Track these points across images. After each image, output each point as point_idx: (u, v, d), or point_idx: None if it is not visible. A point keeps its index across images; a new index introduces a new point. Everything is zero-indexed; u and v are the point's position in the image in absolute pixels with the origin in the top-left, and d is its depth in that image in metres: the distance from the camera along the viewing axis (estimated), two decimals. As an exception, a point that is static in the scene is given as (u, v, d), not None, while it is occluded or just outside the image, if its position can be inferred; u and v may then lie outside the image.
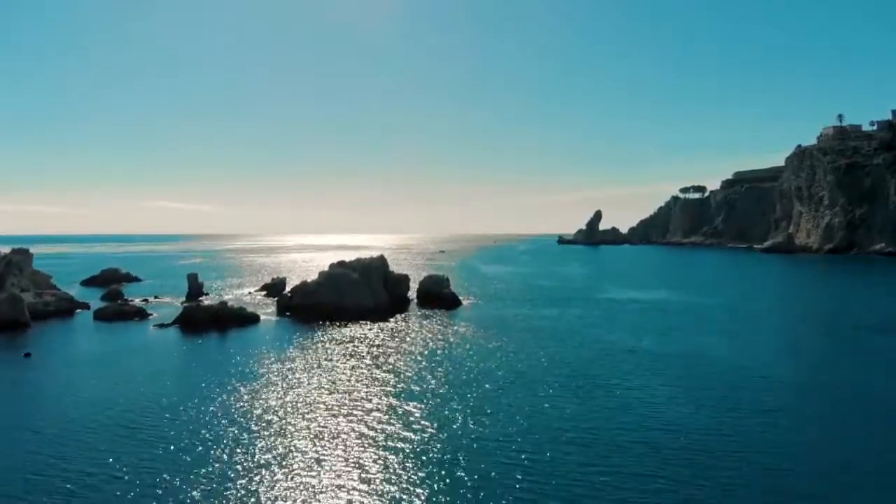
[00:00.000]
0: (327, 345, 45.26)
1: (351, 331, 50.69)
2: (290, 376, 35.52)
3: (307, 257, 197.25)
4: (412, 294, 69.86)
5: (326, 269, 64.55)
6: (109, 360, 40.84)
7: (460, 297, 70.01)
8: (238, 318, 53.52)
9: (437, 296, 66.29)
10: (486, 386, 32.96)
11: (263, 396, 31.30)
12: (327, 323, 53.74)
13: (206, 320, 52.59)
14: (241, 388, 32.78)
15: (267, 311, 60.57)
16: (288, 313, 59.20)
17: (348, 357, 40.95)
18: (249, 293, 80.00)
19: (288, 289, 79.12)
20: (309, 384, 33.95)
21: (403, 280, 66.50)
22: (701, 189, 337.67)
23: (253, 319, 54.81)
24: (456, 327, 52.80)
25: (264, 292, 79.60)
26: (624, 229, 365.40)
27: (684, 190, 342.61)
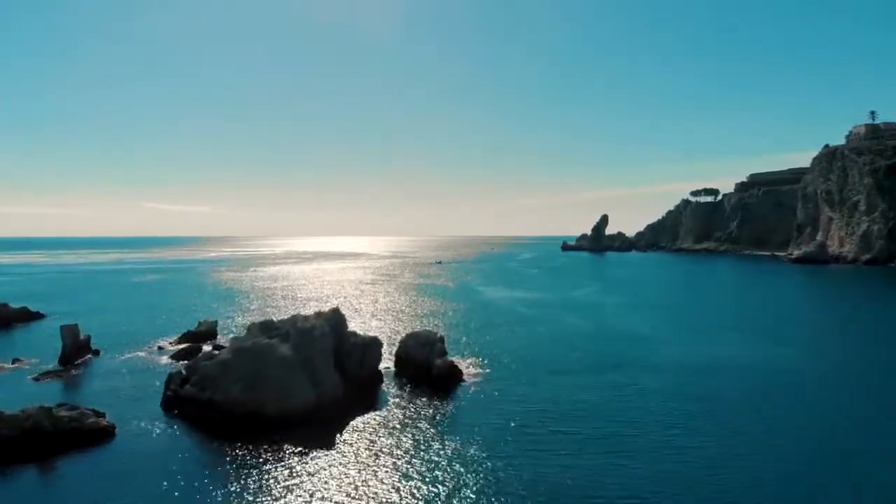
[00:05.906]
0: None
1: (266, 464, 27.81)
2: None
3: (285, 272, 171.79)
4: (387, 362, 46.51)
5: (245, 332, 40.92)
6: None
7: (458, 362, 46.76)
8: (69, 439, 30.33)
9: (425, 368, 43.16)
10: None
11: None
12: (233, 440, 30.81)
13: (16, 442, 29.53)
14: None
15: (146, 407, 37.09)
16: (176, 412, 35.91)
17: None
18: (160, 348, 56.69)
19: (214, 340, 56.49)
20: None
21: (370, 347, 42.14)
22: (713, 192, 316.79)
23: (101, 435, 31.53)
24: (454, 444, 30.04)
25: (183, 345, 56.50)
26: (627, 232, 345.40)
27: (695, 193, 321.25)
